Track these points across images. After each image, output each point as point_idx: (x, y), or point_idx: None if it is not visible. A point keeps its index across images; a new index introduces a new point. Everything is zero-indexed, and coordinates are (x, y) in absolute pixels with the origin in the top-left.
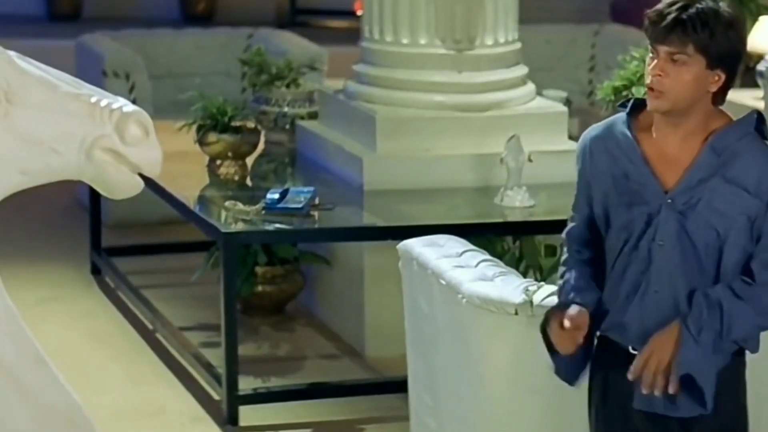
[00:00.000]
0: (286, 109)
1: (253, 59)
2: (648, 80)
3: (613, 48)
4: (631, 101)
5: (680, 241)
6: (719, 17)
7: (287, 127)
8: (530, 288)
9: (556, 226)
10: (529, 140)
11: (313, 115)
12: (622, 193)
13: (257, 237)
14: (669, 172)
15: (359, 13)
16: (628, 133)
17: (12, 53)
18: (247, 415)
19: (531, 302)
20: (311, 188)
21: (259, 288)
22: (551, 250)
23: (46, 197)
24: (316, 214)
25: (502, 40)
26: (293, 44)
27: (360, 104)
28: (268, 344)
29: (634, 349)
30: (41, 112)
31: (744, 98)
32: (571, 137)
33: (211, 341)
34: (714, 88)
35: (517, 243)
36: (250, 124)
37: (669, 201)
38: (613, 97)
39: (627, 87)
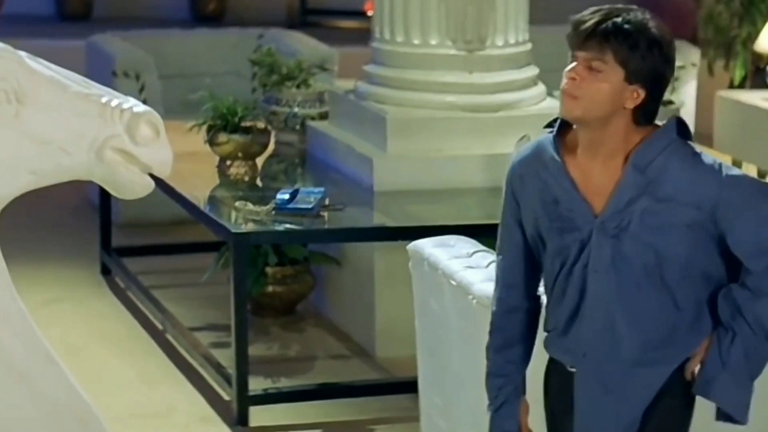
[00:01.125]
0: (296, 109)
1: (263, 59)
2: (563, 85)
3: None
4: (558, 121)
5: (615, 267)
6: (645, 32)
7: (297, 127)
8: (540, 289)
9: None
10: None
11: (323, 116)
12: (554, 219)
13: (267, 237)
14: (596, 196)
15: (370, 13)
16: (556, 157)
17: (22, 53)
18: (257, 415)
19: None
20: (321, 189)
21: (270, 288)
22: None
23: (55, 197)
24: (326, 214)
25: (512, 40)
26: (304, 44)
27: (371, 105)
28: (278, 345)
29: (571, 367)
30: (51, 113)
31: (754, 99)
32: None
33: (221, 341)
34: (631, 105)
35: None
36: (261, 125)
37: (600, 226)
38: None
39: None
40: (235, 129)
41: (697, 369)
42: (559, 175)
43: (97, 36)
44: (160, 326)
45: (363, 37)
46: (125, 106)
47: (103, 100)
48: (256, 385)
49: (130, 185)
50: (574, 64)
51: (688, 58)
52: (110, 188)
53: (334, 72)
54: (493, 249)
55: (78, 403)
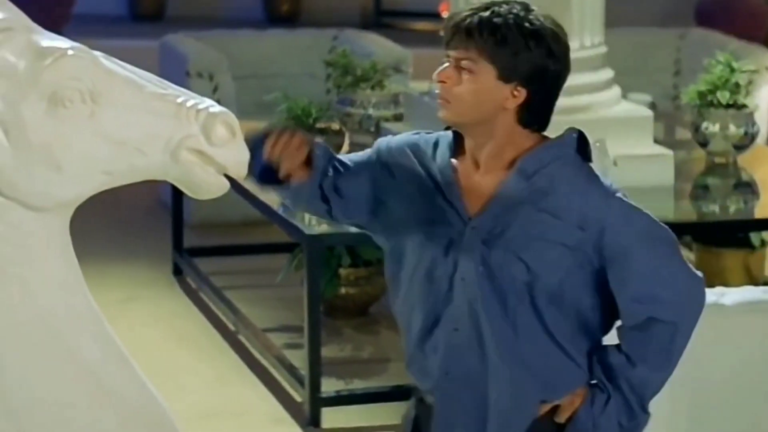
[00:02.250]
0: (370, 111)
1: (338, 61)
2: (435, 87)
3: (698, 52)
4: None
5: (483, 275)
6: (520, 27)
7: (372, 129)
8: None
9: None
10: (614, 144)
11: (398, 117)
12: (426, 209)
13: (341, 239)
14: (476, 198)
15: (444, 15)
16: (448, 152)
17: (98, 53)
18: (330, 417)
19: None
20: None
21: (343, 290)
22: None
23: (128, 197)
24: None
25: (588, 43)
26: (378, 46)
27: None
28: (351, 346)
29: (430, 394)
30: (127, 113)
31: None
32: (656, 141)
33: (293, 343)
34: (511, 105)
35: None
36: (335, 126)
37: (472, 228)
38: (698, 102)
39: (712, 91)
40: (309, 130)
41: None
42: (445, 168)
43: (170, 36)
44: (232, 327)
45: (437, 38)
46: (201, 106)
47: (179, 100)
48: (329, 386)
49: (206, 186)
50: (446, 64)
51: (761, 61)
52: (185, 188)
53: (409, 74)
54: None
55: (151, 404)
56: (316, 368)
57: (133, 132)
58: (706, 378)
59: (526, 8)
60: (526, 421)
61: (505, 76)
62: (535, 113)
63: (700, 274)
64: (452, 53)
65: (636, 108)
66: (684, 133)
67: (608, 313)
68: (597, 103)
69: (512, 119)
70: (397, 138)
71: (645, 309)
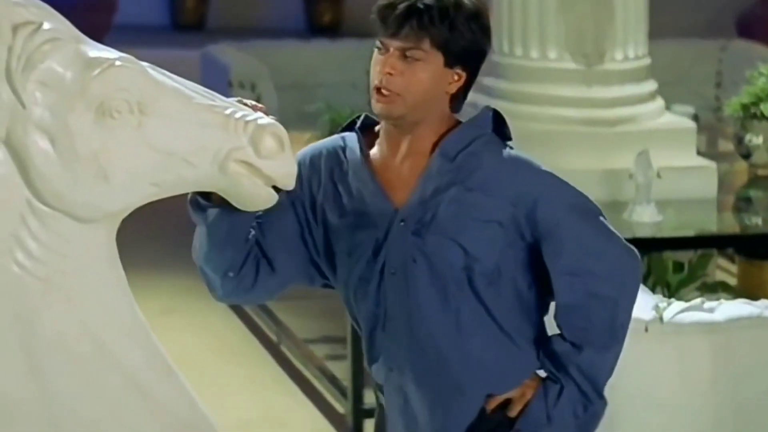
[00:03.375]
0: None
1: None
2: (376, 80)
3: (740, 64)
4: (361, 118)
5: (417, 266)
6: (461, 6)
7: None
8: (660, 305)
9: (685, 242)
10: (657, 155)
11: None
12: (347, 216)
13: None
14: (398, 190)
15: None
16: (357, 150)
17: (145, 64)
18: (372, 428)
19: (661, 319)
20: None
21: None
22: (679, 267)
23: (166, 206)
24: None
25: (631, 54)
26: None
27: None
28: None
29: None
30: (175, 123)
31: None
32: (699, 153)
33: (336, 354)
34: (453, 90)
35: (645, 259)
36: None
37: (401, 222)
38: (741, 114)
39: (755, 103)
40: None
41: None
42: (359, 168)
43: (212, 46)
44: (274, 338)
45: None
46: (249, 117)
47: (227, 111)
48: (371, 398)
49: (254, 197)
50: (385, 55)
51: None
52: (233, 200)
53: None
54: None
55: (197, 416)
56: (359, 379)
57: (181, 143)
58: (750, 392)
59: None
60: (472, 416)
61: (451, 62)
62: (465, 95)
63: (633, 248)
64: (395, 43)
65: (679, 120)
66: (726, 145)
67: (545, 290)
68: (641, 114)
69: (446, 104)
70: (303, 152)
71: (581, 283)
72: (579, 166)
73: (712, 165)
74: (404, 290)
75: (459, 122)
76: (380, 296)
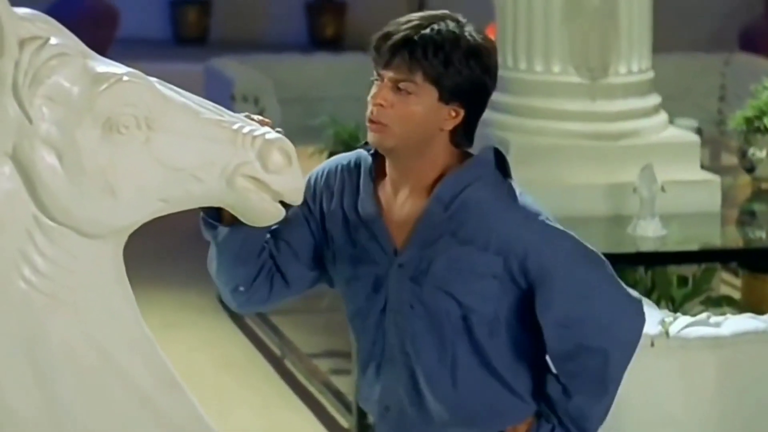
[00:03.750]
0: None
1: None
2: (368, 111)
3: (743, 77)
4: None
5: (415, 312)
6: (458, 42)
7: None
8: (666, 319)
9: (689, 256)
10: (661, 169)
11: None
12: (351, 244)
13: None
14: (400, 229)
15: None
16: (369, 177)
17: (153, 79)
18: None
19: (667, 333)
20: None
21: None
22: (683, 281)
23: (169, 221)
24: None
25: (635, 68)
26: None
27: (493, 132)
28: None
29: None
30: (183, 139)
31: None
32: (702, 167)
33: (340, 369)
34: (449, 126)
35: (649, 273)
36: None
37: (399, 266)
38: (745, 127)
39: (759, 117)
40: None
41: None
42: (368, 198)
43: (215, 60)
44: (278, 352)
45: None
46: (257, 132)
47: (235, 126)
48: None
49: (261, 213)
50: (379, 86)
51: None
52: (241, 215)
53: None
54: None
55: (203, 430)
56: None
57: (188, 158)
58: (756, 406)
59: (460, 23)
60: None
61: (446, 98)
62: (469, 132)
63: (636, 295)
64: (389, 74)
65: (683, 133)
66: (729, 159)
67: (542, 336)
68: (644, 128)
69: (446, 140)
70: (321, 166)
71: (571, 335)
72: (583, 180)
73: (716, 179)
74: (402, 332)
75: (465, 156)
76: (378, 334)
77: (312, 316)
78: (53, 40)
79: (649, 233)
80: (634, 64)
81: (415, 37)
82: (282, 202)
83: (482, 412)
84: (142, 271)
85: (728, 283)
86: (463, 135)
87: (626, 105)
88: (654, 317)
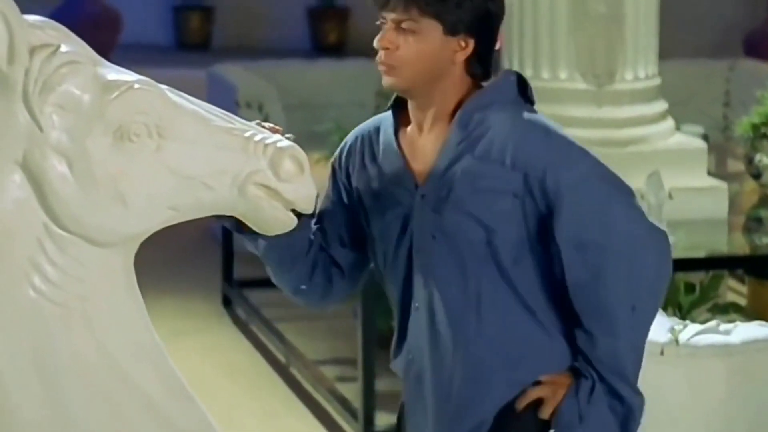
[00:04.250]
0: None
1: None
2: (378, 55)
3: (748, 83)
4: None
5: (437, 243)
6: None
7: None
8: (676, 327)
9: (696, 263)
10: (668, 176)
11: None
12: (377, 197)
13: None
14: (422, 165)
15: (498, 47)
16: (390, 129)
17: (164, 87)
18: None
19: (677, 341)
20: None
21: None
22: (690, 288)
23: (177, 228)
24: None
25: (642, 74)
26: None
27: None
28: None
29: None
30: (194, 147)
31: None
32: (708, 173)
33: (346, 376)
34: (461, 58)
35: None
36: None
37: (421, 197)
38: (751, 134)
39: (765, 123)
40: None
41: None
42: (389, 146)
43: (218, 66)
44: (283, 359)
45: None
46: (269, 140)
47: (247, 134)
48: (383, 420)
49: (273, 221)
50: (384, 29)
51: None
52: (252, 223)
53: None
54: None
55: None
56: (370, 402)
57: (200, 166)
58: (766, 414)
59: None
60: (492, 407)
61: (450, 30)
62: (483, 60)
63: (662, 226)
64: (390, 15)
65: (690, 140)
66: (736, 165)
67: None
68: (651, 135)
69: (461, 71)
70: (345, 139)
71: (585, 259)
72: None
73: (723, 185)
74: (425, 267)
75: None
76: (406, 281)
77: (318, 323)
78: (64, 48)
79: None
80: (640, 70)
81: None
82: (294, 211)
83: (507, 349)
84: (144, 278)
85: (734, 289)
86: (478, 65)
87: (633, 111)
88: (663, 325)
